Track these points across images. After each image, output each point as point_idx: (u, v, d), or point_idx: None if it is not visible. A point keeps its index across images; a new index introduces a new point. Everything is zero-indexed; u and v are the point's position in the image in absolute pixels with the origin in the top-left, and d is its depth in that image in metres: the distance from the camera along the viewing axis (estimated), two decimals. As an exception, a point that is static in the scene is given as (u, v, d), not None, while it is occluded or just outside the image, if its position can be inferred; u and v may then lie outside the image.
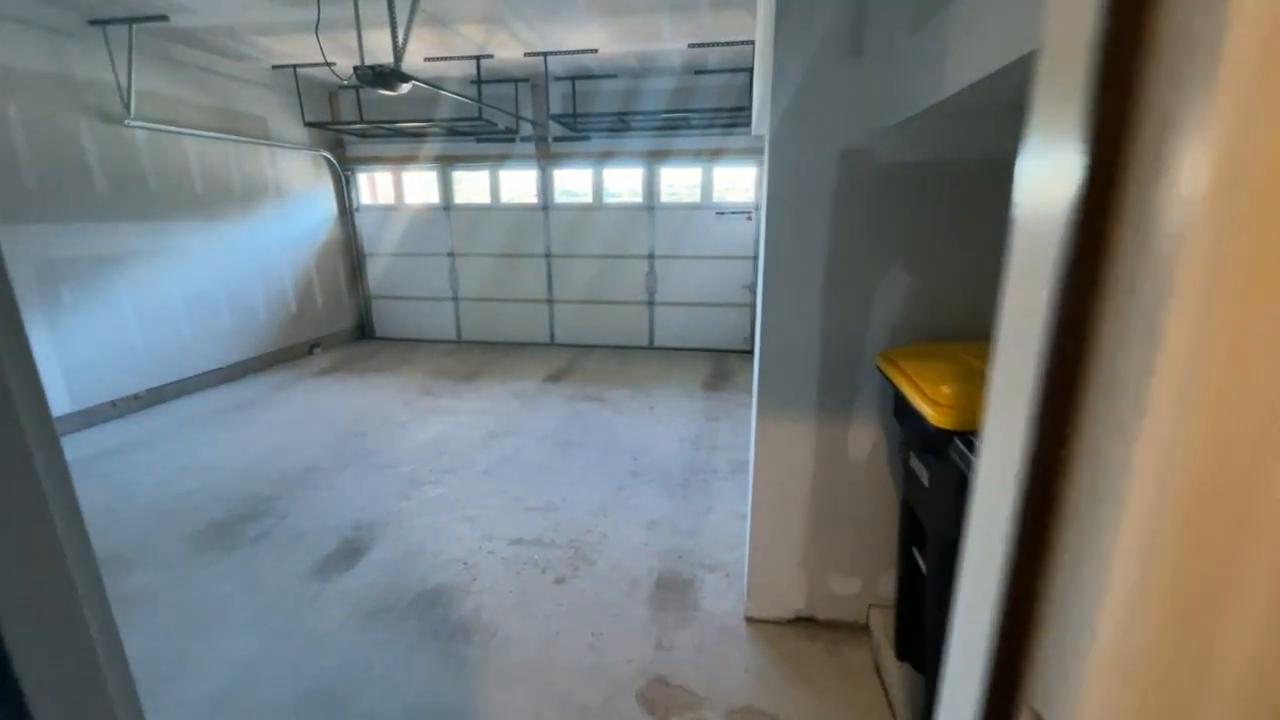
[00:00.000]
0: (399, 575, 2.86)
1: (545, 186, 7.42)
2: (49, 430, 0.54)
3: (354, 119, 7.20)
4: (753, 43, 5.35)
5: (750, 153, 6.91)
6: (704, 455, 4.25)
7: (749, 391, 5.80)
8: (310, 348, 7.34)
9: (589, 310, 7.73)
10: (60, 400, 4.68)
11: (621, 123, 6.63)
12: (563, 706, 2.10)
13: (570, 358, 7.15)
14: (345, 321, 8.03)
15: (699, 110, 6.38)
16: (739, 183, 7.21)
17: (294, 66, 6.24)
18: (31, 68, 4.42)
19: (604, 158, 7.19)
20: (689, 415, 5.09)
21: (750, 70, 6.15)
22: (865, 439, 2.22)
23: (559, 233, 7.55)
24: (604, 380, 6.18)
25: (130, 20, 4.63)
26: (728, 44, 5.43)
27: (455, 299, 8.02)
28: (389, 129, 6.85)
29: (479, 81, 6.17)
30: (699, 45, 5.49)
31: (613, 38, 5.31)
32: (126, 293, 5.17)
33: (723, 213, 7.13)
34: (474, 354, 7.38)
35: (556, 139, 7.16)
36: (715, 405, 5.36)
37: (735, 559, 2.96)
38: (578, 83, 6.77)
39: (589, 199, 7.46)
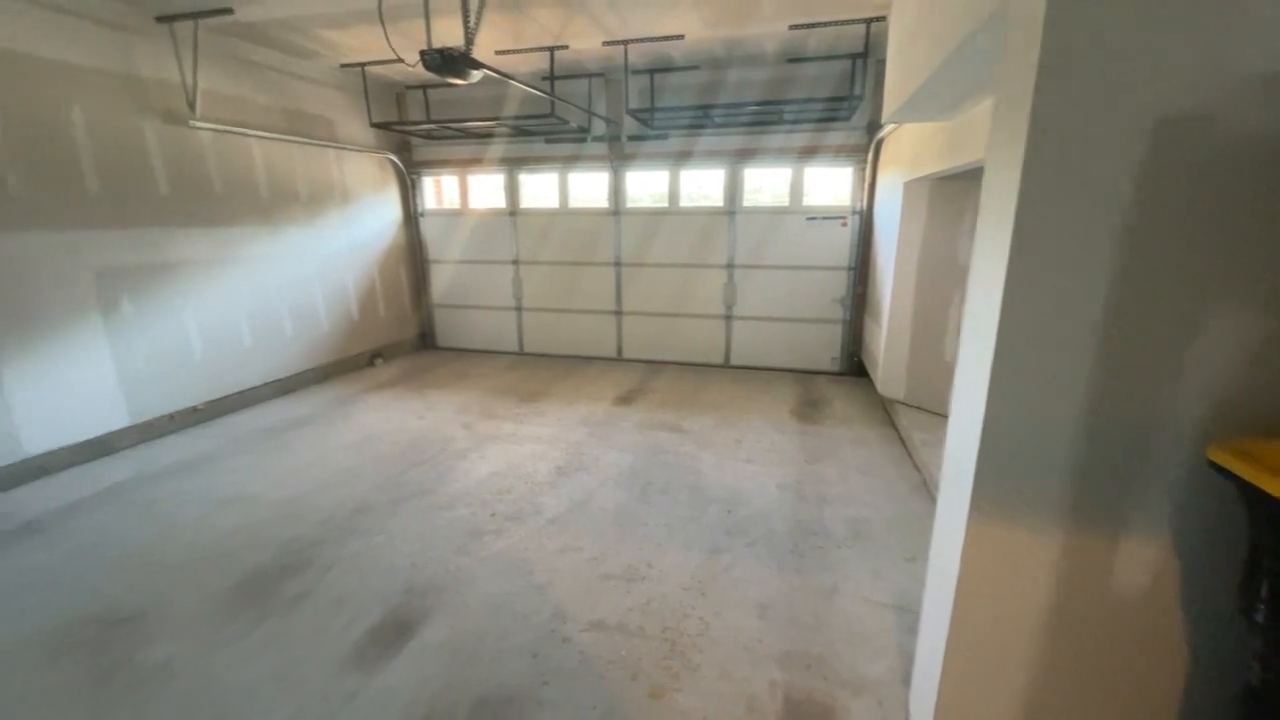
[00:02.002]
0: (455, 667, 2.30)
1: (617, 189, 6.86)
2: None
3: (421, 119, 6.88)
4: (868, 20, 4.60)
5: (848, 150, 6.11)
6: (812, 510, 3.52)
7: (849, 424, 5.01)
8: (372, 358, 7.06)
9: (660, 324, 7.11)
10: (118, 413, 4.47)
11: (705, 117, 5.98)
12: None
13: (640, 376, 6.54)
14: (408, 331, 7.74)
15: (793, 101, 5.64)
16: (833, 185, 6.42)
17: (362, 65, 5.96)
18: (98, 66, 4.21)
19: (681, 158, 6.56)
20: (784, 453, 4.37)
21: (853, 56, 5.39)
22: (1143, 564, 1.47)
23: (630, 240, 6.97)
24: (680, 404, 5.53)
25: (196, 15, 4.38)
26: (836, 24, 4.69)
27: (518, 309, 7.58)
28: (456, 129, 6.48)
29: (551, 77, 5.70)
30: (801, 26, 4.77)
31: (705, 20, 4.67)
32: (188, 301, 4.95)
33: (814, 218, 6.36)
34: (537, 368, 6.89)
35: (631, 137, 6.59)
36: (814, 442, 4.60)
37: (884, 675, 2.24)
38: (656, 76, 6.18)
39: (664, 203, 6.84)
